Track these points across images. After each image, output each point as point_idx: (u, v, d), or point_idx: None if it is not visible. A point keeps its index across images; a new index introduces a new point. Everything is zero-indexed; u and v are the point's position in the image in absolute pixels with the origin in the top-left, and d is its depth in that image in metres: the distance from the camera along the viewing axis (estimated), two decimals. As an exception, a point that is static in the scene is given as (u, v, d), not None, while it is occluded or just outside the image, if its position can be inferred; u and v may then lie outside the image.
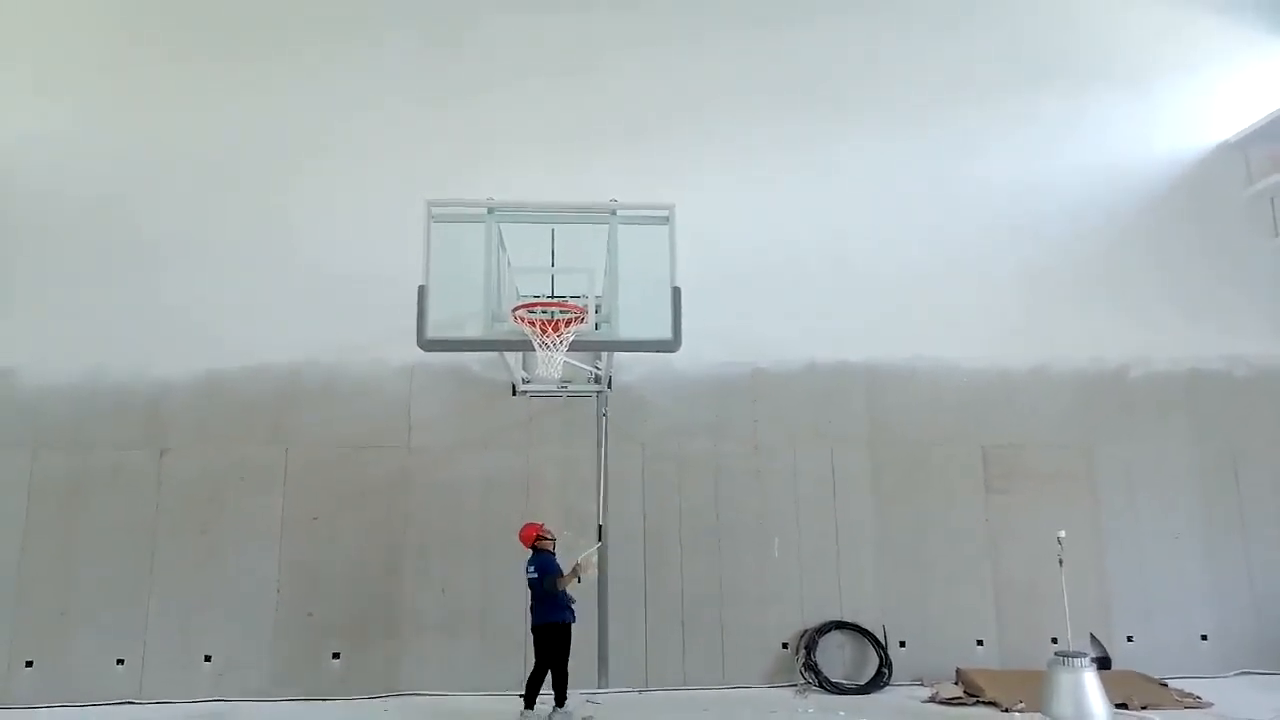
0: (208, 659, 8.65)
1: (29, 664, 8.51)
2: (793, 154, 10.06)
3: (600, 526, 7.74)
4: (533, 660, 7.66)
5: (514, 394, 9.27)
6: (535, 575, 7.56)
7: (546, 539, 7.78)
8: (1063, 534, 7.63)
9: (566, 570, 7.54)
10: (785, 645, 9.11)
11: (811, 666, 8.82)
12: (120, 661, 8.58)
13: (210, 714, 8.07)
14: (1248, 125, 10.25)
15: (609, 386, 9.31)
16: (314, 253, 9.43)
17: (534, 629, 7.60)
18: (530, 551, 7.73)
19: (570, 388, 9.14)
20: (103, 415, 9.04)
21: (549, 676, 7.52)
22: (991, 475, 9.59)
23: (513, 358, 8.80)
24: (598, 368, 9.13)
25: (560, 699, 7.59)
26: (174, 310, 9.27)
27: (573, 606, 7.63)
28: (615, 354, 8.76)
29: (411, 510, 9.06)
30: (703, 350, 8.91)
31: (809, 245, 9.84)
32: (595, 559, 7.70)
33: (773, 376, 9.68)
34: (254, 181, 9.59)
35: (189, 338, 9.22)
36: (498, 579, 8.75)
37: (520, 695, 7.59)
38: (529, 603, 7.65)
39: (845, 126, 10.15)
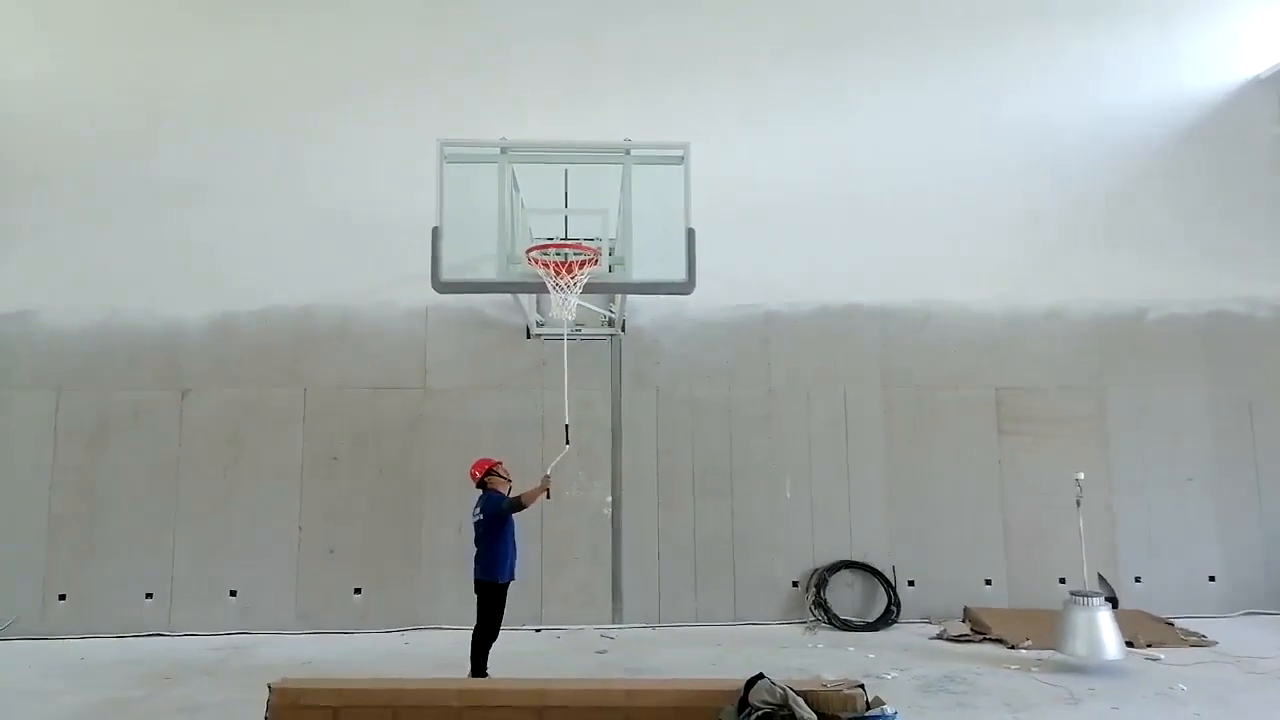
0: (233, 594, 8.91)
1: (62, 597, 8.80)
2: (806, 96, 9.87)
3: (566, 426, 7.22)
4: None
5: (528, 337, 9.32)
6: (480, 516, 6.75)
7: (500, 477, 6.95)
8: (1081, 476, 7.62)
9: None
10: (795, 584, 9.27)
11: (821, 604, 8.98)
12: (149, 595, 8.85)
13: (236, 646, 8.33)
14: (1281, 60, 9.94)
15: (622, 329, 9.33)
16: (328, 195, 9.42)
17: (475, 585, 6.73)
18: (480, 492, 6.92)
19: (584, 330, 9.16)
20: (122, 357, 9.18)
21: (490, 639, 6.73)
22: (1004, 418, 9.60)
23: (527, 300, 8.82)
24: (611, 310, 9.13)
25: (479, 666, 6.65)
26: (187, 252, 9.33)
27: (514, 562, 6.79)
28: (629, 297, 8.76)
29: (428, 451, 9.20)
30: (715, 293, 8.89)
31: (822, 187, 9.72)
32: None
33: (785, 319, 9.66)
34: (268, 124, 9.55)
35: (203, 280, 9.29)
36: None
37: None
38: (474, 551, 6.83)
39: (861, 67, 9.94)
